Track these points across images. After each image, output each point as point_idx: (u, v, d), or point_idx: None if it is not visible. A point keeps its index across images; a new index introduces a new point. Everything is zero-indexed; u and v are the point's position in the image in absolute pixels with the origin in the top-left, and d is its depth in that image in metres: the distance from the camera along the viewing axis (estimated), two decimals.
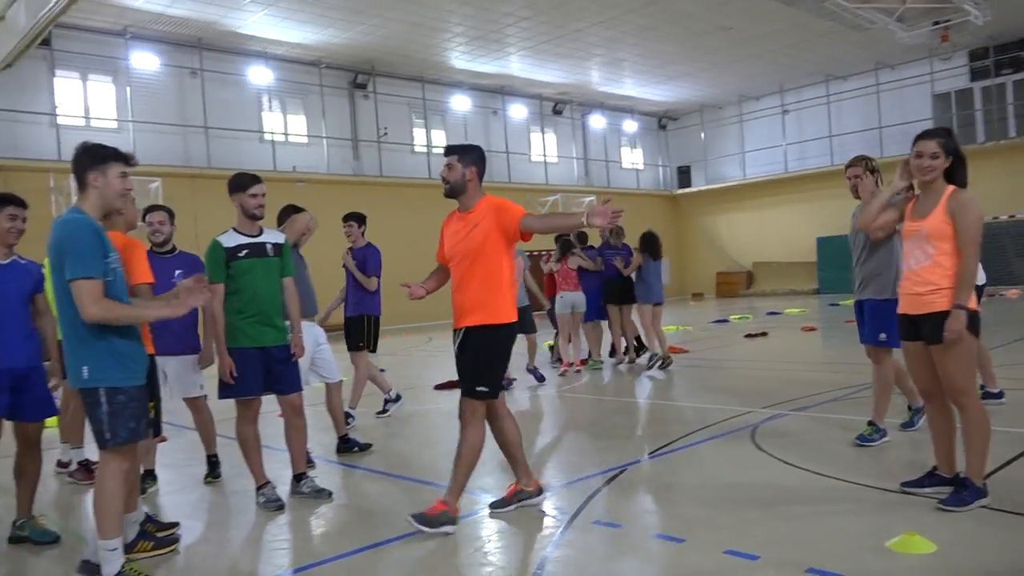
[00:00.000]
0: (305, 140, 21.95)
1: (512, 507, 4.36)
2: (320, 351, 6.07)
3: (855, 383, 7.71)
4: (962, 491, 3.95)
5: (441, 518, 4.04)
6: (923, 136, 4.06)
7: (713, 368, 10.39)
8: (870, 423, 5.38)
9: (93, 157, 3.52)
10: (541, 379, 9.49)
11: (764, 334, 13.83)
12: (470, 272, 4.17)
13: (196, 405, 5.51)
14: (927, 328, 4.02)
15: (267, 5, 17.55)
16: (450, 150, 4.28)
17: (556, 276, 10.44)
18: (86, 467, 5.76)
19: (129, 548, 3.86)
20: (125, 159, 3.60)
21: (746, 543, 3.63)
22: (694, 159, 31.51)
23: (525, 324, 8.87)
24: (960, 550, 3.44)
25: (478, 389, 4.15)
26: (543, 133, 28.10)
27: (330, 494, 4.87)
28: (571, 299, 10.24)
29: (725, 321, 17.67)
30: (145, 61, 19.12)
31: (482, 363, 4.17)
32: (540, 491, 4.46)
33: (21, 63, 15.04)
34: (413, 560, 3.77)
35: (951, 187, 4.02)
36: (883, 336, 5.28)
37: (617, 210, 3.79)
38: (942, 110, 25.35)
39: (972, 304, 3.94)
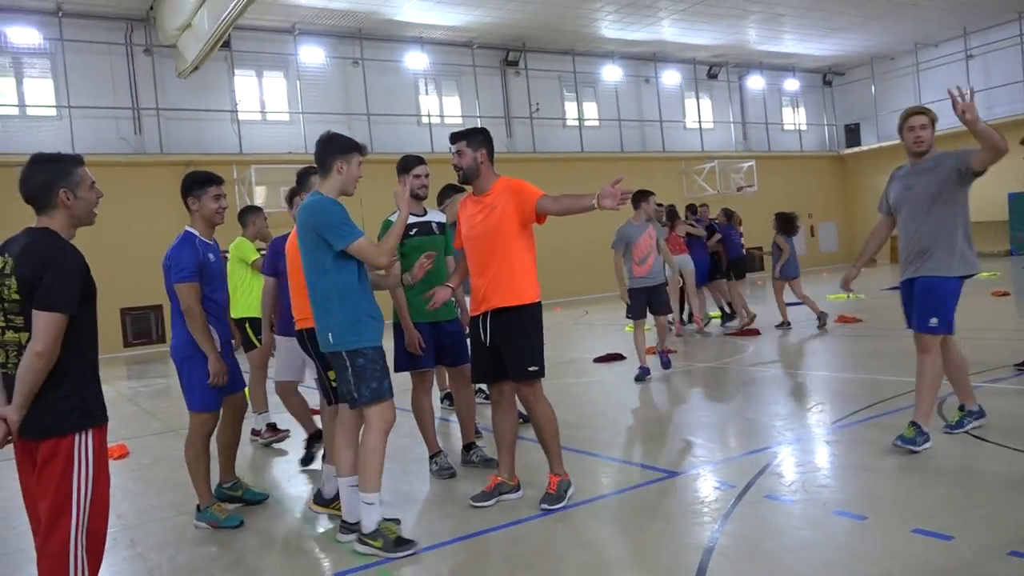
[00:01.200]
0: (460, 120, 22.48)
1: (492, 501, 4.27)
2: None
3: None
4: None
5: (563, 487, 4.16)
6: None
7: (890, 338, 9.74)
8: (912, 424, 4.55)
9: (340, 147, 3.79)
10: (667, 365, 8.33)
11: None
12: (491, 254, 4.11)
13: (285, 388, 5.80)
14: None
15: None
16: (456, 137, 4.24)
17: (667, 243, 11.13)
18: (272, 428, 6.44)
19: (329, 502, 4.27)
20: (362, 149, 3.87)
21: (937, 522, 3.40)
22: (864, 116, 29.42)
23: (660, 304, 8.09)
24: None
25: (530, 370, 4.09)
26: (698, 99, 27.20)
27: (498, 463, 5.01)
28: (677, 262, 11.07)
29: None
30: (312, 55, 20.27)
31: (524, 343, 4.11)
32: (518, 487, 4.39)
33: (205, 65, 16.39)
34: (581, 528, 3.83)
35: None
36: (934, 321, 4.54)
37: (626, 192, 3.72)
38: None
39: None
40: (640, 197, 8.06)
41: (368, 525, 3.70)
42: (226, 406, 4.53)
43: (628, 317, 8.16)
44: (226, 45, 17.57)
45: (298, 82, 19.92)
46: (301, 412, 5.76)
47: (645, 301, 7.99)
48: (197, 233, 4.31)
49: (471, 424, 5.18)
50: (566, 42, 23.13)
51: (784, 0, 21.07)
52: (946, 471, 4.16)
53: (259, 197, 17.76)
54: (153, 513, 4.76)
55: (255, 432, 6.49)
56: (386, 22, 20.06)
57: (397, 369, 4.96)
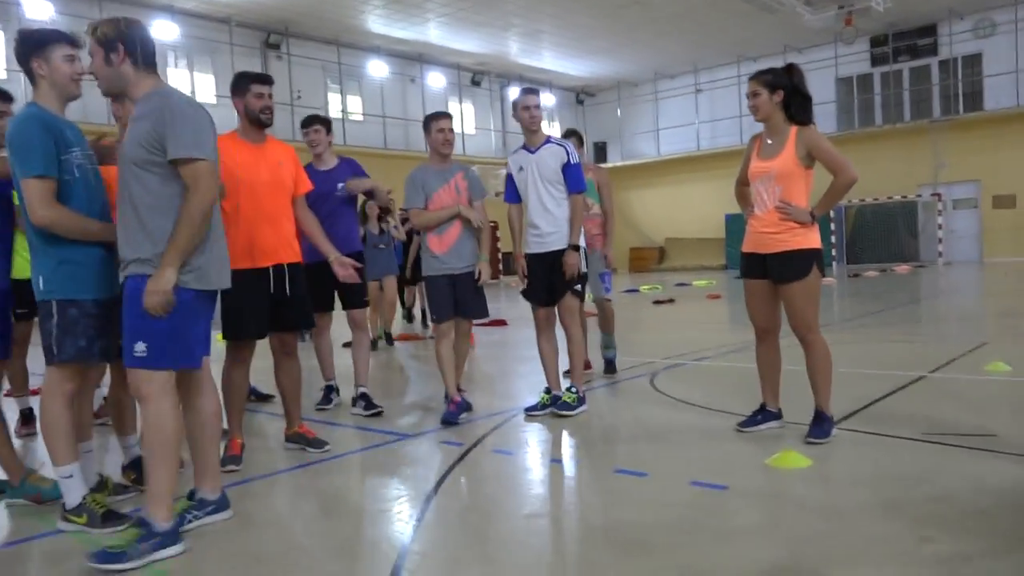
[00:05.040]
0: (214, 101, 21.20)
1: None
2: None
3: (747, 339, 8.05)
4: (821, 423, 4.05)
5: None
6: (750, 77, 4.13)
7: (620, 328, 10.63)
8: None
9: (32, 44, 3.26)
10: (468, 407, 5.12)
11: (671, 301, 14.22)
12: (287, 206, 4.40)
13: None
14: (775, 266, 4.08)
15: None
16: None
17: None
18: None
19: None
20: (69, 40, 3.34)
21: (636, 463, 3.78)
22: (610, 135, 31.91)
23: (472, 306, 5.08)
24: (833, 463, 3.67)
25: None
26: (461, 103, 27.95)
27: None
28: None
29: (635, 291, 18.08)
30: (39, 10, 18.08)
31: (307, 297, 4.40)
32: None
33: None
34: (320, 481, 3.77)
35: (795, 126, 4.00)
36: (141, 348, 2.87)
37: None
38: (845, 93, 26.47)
39: (816, 243, 4.01)
40: (433, 120, 5.36)
41: (71, 500, 3.22)
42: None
43: (433, 321, 5.09)
44: None
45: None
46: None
47: (451, 295, 4.97)
48: None
49: None
50: (331, 31, 22.70)
51: (543, 17, 22.29)
52: (649, 425, 4.63)
53: None
54: None
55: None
56: None
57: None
